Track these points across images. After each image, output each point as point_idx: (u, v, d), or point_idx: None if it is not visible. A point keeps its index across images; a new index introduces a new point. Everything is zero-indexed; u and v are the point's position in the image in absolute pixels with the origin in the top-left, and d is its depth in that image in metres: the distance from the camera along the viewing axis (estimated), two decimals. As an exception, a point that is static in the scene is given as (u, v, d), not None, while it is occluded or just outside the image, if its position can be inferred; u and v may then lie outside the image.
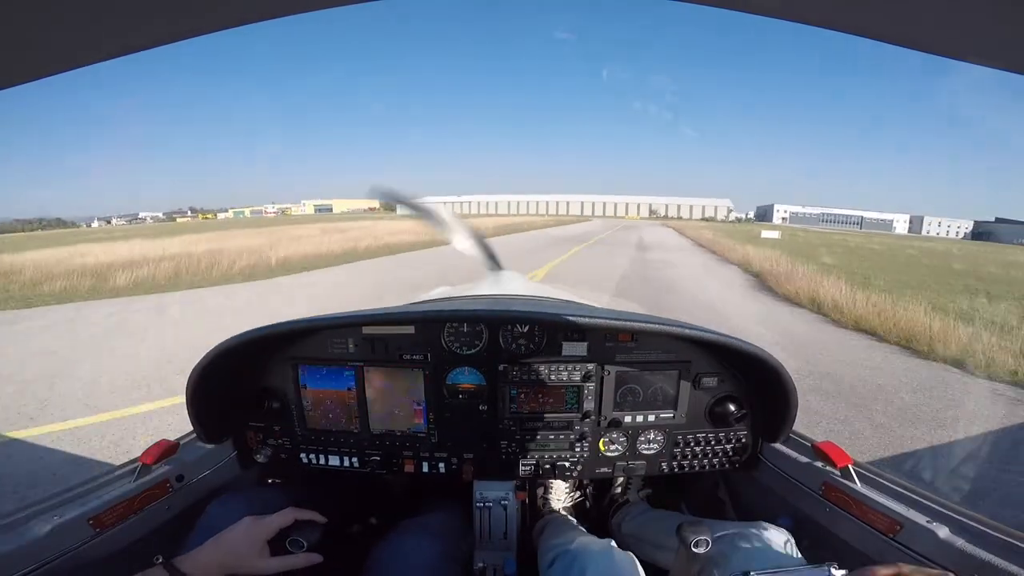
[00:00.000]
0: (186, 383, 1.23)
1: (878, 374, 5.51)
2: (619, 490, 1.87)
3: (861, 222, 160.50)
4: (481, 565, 1.44)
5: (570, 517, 1.76)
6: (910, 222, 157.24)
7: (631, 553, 1.14)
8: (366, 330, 1.39)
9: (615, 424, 1.44)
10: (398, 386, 1.42)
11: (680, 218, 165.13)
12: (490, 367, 1.41)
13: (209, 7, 0.45)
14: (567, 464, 1.47)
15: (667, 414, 1.43)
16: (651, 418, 1.44)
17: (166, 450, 1.24)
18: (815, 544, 1.20)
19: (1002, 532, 0.92)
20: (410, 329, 1.40)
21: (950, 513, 1.00)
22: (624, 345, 1.40)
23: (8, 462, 3.34)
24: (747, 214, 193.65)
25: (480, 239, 2.70)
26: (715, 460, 1.47)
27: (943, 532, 0.95)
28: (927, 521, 0.98)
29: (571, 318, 1.29)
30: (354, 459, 1.46)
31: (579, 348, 1.39)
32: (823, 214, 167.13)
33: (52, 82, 0.54)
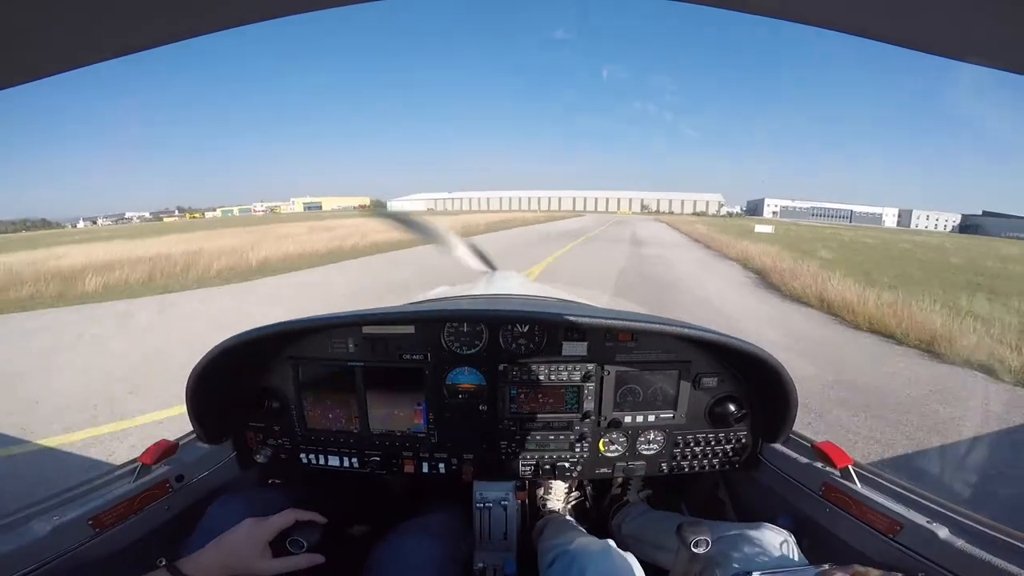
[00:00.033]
0: (186, 383, 1.22)
1: (905, 383, 5.14)
2: (619, 490, 1.85)
3: (851, 216, 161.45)
4: (481, 565, 1.42)
5: (570, 517, 1.75)
6: (899, 215, 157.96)
7: (631, 554, 1.13)
8: (366, 330, 1.38)
9: (615, 424, 1.43)
10: (398, 386, 1.42)
11: (671, 213, 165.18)
12: (490, 367, 1.40)
13: (209, 7, 0.46)
14: (567, 464, 1.46)
15: (667, 414, 1.43)
16: (651, 418, 1.43)
17: (166, 450, 1.24)
18: (815, 544, 1.19)
19: (1002, 532, 0.91)
20: (410, 329, 1.39)
21: (950, 514, 0.99)
22: (624, 345, 1.39)
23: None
24: (738, 208, 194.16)
25: (474, 248, 2.75)
26: (715, 460, 1.47)
27: (943, 532, 0.95)
28: (927, 521, 0.98)
29: (571, 318, 1.28)
30: (354, 459, 1.46)
31: (579, 348, 1.39)
32: (813, 208, 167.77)
33: (36, 82, 0.50)
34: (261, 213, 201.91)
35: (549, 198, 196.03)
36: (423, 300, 1.98)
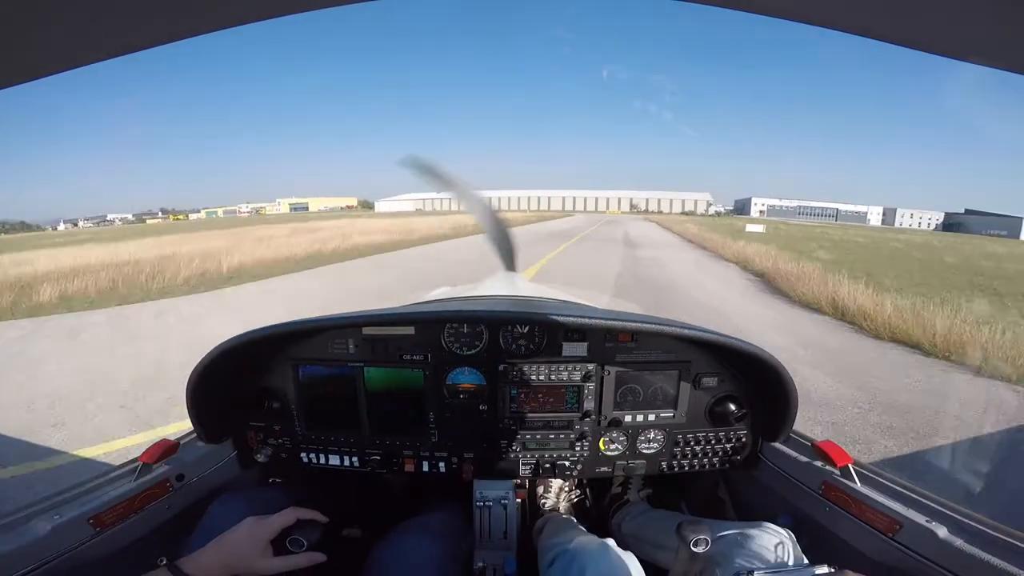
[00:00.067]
0: (186, 383, 1.21)
1: (946, 402, 4.62)
2: (619, 489, 1.84)
3: (836, 214, 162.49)
4: (481, 564, 1.41)
5: (570, 516, 1.74)
6: (883, 214, 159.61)
7: (631, 553, 1.12)
8: (366, 331, 1.38)
9: (615, 423, 1.42)
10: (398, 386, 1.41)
11: (660, 212, 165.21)
12: (490, 367, 1.40)
13: (207, 7, 0.45)
14: (567, 463, 1.46)
15: (667, 413, 1.42)
16: (651, 417, 1.43)
17: (166, 450, 1.23)
18: (815, 544, 1.18)
19: (1002, 532, 0.91)
20: (410, 330, 1.39)
21: (950, 513, 0.99)
22: (624, 345, 1.39)
23: None
24: (723, 207, 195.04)
25: (505, 235, 2.55)
26: (715, 459, 1.46)
27: (942, 532, 0.94)
28: (927, 521, 0.98)
29: (571, 319, 1.28)
30: (354, 458, 1.45)
31: (579, 348, 1.38)
32: (800, 207, 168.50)
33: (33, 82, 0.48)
34: (246, 214, 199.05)
35: (539, 198, 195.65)
36: (424, 301, 1.97)
